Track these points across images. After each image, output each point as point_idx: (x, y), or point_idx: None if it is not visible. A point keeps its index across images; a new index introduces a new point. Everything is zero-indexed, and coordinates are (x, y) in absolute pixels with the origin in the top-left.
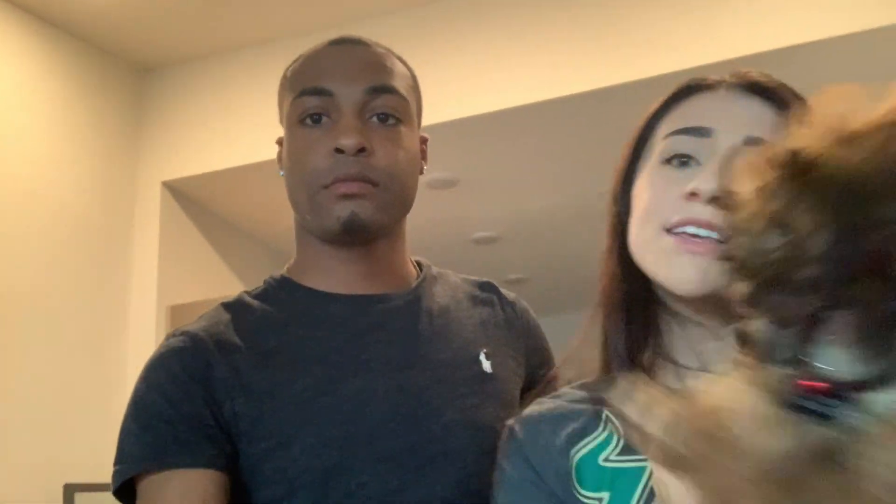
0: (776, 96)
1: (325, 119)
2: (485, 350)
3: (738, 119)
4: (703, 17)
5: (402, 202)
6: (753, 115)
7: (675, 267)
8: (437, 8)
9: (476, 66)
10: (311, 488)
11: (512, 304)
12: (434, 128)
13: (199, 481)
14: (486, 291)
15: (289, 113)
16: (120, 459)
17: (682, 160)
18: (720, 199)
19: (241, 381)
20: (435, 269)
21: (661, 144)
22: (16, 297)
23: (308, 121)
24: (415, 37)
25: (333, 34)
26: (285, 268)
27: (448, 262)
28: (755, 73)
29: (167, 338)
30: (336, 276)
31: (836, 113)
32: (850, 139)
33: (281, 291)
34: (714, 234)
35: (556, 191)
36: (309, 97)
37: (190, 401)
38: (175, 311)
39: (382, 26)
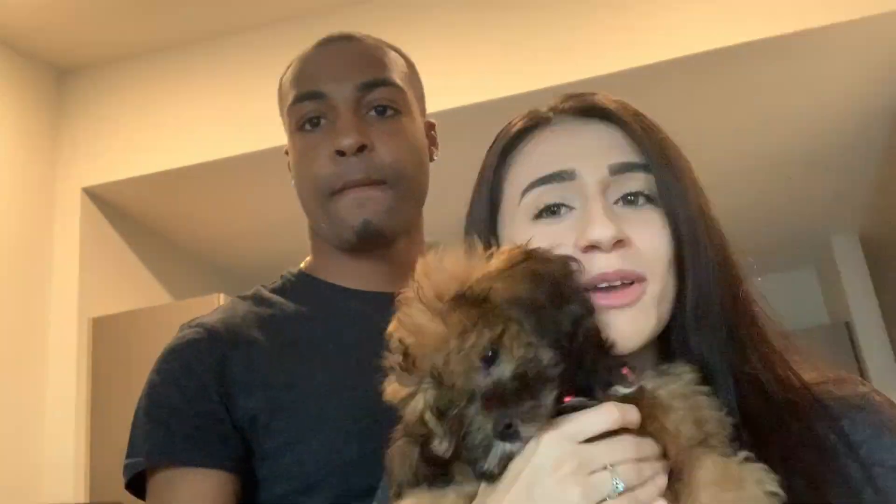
0: (616, 118)
1: (323, 122)
2: None
3: (593, 150)
4: (627, 22)
5: (415, 197)
6: (606, 142)
7: (610, 328)
8: (360, 11)
9: None
10: (332, 483)
11: None
12: None
13: (209, 482)
14: None
15: (288, 121)
16: (131, 453)
17: (553, 210)
18: (622, 242)
19: (258, 375)
20: None
21: (523, 200)
22: None
23: (307, 126)
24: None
25: (254, 36)
26: (301, 265)
27: None
28: (592, 97)
29: (181, 328)
30: (355, 276)
31: (461, 266)
32: (494, 276)
33: (300, 286)
34: (626, 281)
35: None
36: (303, 103)
37: (204, 395)
38: (98, 324)
39: (302, 29)
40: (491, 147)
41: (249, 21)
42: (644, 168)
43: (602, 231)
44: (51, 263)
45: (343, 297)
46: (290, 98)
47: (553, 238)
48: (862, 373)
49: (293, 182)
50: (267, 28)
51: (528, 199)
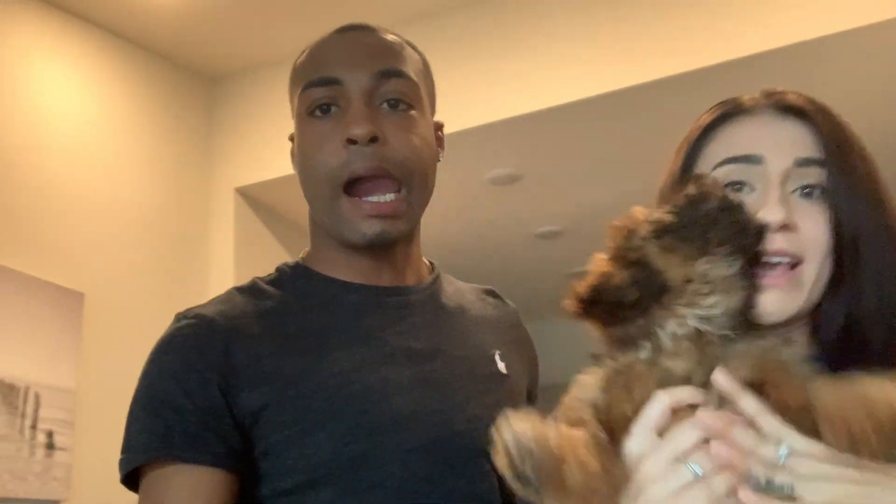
0: (809, 116)
1: (334, 109)
2: (499, 351)
3: (783, 142)
4: (754, 4)
5: (425, 197)
6: (796, 137)
7: (759, 303)
8: (494, 4)
9: (536, 62)
10: (338, 478)
11: (515, 313)
12: (496, 124)
13: (205, 481)
14: (493, 297)
15: (298, 106)
16: (126, 448)
17: (736, 188)
18: (788, 227)
19: (263, 368)
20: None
21: (713, 173)
22: (93, 303)
23: (317, 112)
24: (474, 34)
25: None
26: (299, 256)
27: (511, 257)
28: (789, 95)
29: (177, 318)
30: (354, 269)
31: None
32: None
33: (297, 279)
34: (786, 260)
35: (619, 183)
36: (316, 88)
37: (204, 390)
38: None
39: (438, 27)
40: (694, 125)
41: (386, 23)
42: (822, 164)
43: (772, 215)
44: (208, 259)
45: (343, 291)
46: (302, 82)
47: None
48: None
49: (296, 169)
50: (399, 28)
51: (717, 173)
